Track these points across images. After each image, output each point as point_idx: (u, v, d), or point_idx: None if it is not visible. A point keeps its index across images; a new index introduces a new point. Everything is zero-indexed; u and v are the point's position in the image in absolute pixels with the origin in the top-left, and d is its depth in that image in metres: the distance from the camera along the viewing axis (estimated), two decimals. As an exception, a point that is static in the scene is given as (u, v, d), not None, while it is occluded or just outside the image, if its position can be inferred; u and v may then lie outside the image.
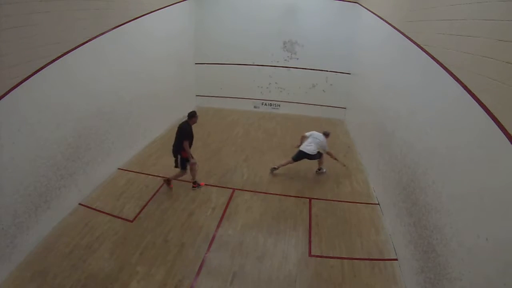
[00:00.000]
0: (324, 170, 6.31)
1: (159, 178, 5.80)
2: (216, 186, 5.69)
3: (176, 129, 5.24)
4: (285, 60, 9.46)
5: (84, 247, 4.14)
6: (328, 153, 6.08)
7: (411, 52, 4.29)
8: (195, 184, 5.55)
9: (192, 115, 5.19)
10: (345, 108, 9.48)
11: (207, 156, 6.81)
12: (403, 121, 4.44)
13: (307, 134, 6.10)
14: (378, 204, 5.29)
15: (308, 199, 5.39)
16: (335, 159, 6.19)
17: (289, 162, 6.06)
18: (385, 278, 3.83)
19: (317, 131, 6.15)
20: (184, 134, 5.07)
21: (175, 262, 3.96)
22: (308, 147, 5.89)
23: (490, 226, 2.31)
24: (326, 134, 6.13)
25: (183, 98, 9.31)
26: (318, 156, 6.00)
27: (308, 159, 5.98)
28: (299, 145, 6.11)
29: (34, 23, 3.76)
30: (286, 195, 5.49)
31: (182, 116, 8.95)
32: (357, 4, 8.42)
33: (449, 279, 2.76)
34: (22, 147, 3.80)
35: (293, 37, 9.19)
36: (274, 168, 6.13)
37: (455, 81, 3.00)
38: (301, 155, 5.94)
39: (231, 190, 5.57)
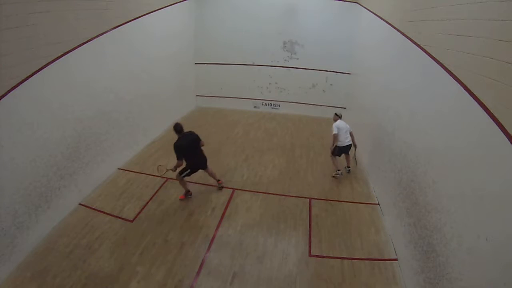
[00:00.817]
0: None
1: (159, 178, 5.82)
2: (216, 186, 5.69)
3: (186, 148, 4.87)
4: (285, 60, 9.46)
5: (84, 247, 4.14)
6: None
7: (411, 52, 4.29)
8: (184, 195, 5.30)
9: (182, 127, 4.98)
10: (345, 108, 9.46)
11: (207, 156, 6.79)
12: (403, 121, 4.44)
13: (335, 131, 5.89)
14: (378, 204, 5.28)
15: (308, 199, 5.39)
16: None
17: (337, 160, 6.10)
18: (385, 278, 3.83)
19: (337, 120, 6.06)
20: (198, 139, 5.08)
21: (175, 262, 3.96)
22: (348, 139, 5.98)
23: (490, 226, 2.30)
24: (341, 116, 6.22)
25: (183, 98, 9.31)
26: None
27: (346, 152, 6.14)
28: (333, 146, 5.97)
29: (34, 23, 3.76)
30: (286, 195, 5.49)
31: (182, 116, 9.09)
32: (357, 4, 8.42)
33: (449, 279, 2.76)
34: (22, 147, 3.80)
35: (293, 37, 9.18)
36: (339, 172, 6.05)
37: (455, 81, 3.00)
38: (344, 149, 6.03)
39: (231, 190, 5.57)
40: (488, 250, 2.28)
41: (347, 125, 6.07)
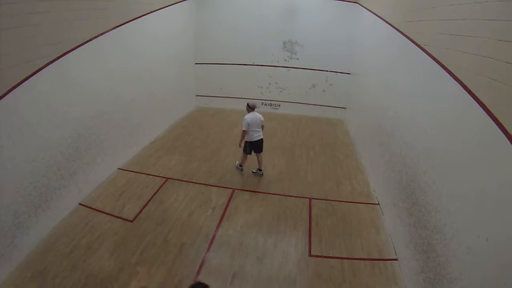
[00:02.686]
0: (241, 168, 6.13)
1: (159, 178, 5.81)
2: (216, 186, 5.69)
3: None
4: (285, 60, 9.46)
5: (84, 247, 4.14)
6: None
7: (411, 52, 4.29)
8: None
9: None
10: (345, 108, 9.48)
11: (207, 156, 6.81)
12: (403, 121, 4.44)
13: (245, 128, 5.54)
14: (378, 204, 5.28)
15: (308, 199, 5.39)
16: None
17: (245, 157, 5.94)
18: (385, 278, 3.83)
19: (249, 112, 5.77)
20: None
21: (175, 262, 3.96)
22: (258, 134, 5.69)
23: (490, 226, 2.30)
24: (254, 107, 5.73)
25: (183, 98, 9.31)
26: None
27: (258, 150, 5.83)
28: (241, 141, 5.77)
29: (34, 23, 3.75)
30: (286, 195, 5.49)
31: (182, 116, 9.10)
32: (357, 4, 8.43)
33: (449, 279, 2.76)
34: (22, 147, 3.79)
35: (293, 37, 9.19)
36: (241, 168, 6.09)
37: (455, 81, 3.00)
38: (255, 146, 5.77)
39: (231, 190, 5.57)
40: (488, 250, 2.28)
41: (260, 118, 5.60)
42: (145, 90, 6.79)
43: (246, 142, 5.69)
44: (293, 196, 5.46)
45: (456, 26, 3.15)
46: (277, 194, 5.52)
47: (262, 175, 6.04)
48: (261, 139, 5.78)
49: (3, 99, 3.45)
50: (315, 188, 5.75)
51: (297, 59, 9.38)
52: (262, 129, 5.82)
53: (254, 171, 6.10)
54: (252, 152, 5.91)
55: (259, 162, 6.00)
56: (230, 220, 4.81)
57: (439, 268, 2.96)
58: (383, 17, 6.04)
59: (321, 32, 8.93)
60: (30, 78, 3.80)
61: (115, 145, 5.93)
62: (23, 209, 3.92)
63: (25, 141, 3.83)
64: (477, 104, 2.60)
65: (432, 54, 3.62)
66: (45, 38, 3.98)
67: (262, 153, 5.96)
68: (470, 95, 2.71)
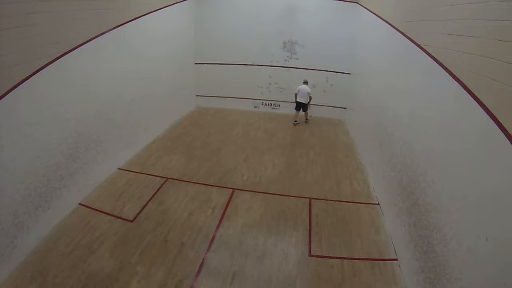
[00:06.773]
0: (311, 115, 9.29)
1: (159, 178, 5.81)
2: (216, 186, 5.70)
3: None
4: (285, 60, 9.46)
5: (84, 247, 4.14)
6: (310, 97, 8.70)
7: (411, 52, 4.29)
8: None
9: None
10: (345, 108, 9.48)
11: (207, 156, 6.81)
12: (403, 121, 4.44)
13: (295, 91, 8.74)
14: (378, 204, 5.28)
15: (308, 199, 5.39)
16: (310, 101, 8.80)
17: (297, 114, 8.86)
18: (385, 278, 3.83)
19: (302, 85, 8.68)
20: None
21: (175, 262, 3.96)
22: (300, 98, 8.67)
23: (490, 226, 2.30)
24: (305, 82, 8.75)
25: (183, 98, 9.32)
26: (306, 106, 8.83)
27: (303, 109, 8.87)
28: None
29: (34, 23, 3.76)
30: (286, 195, 5.49)
31: (182, 116, 9.10)
32: (357, 4, 8.42)
33: (449, 279, 2.76)
34: (22, 147, 3.80)
35: (293, 37, 9.19)
36: (294, 122, 8.94)
37: (455, 81, 3.00)
38: (298, 105, 8.78)
39: (231, 190, 5.57)
40: (488, 250, 2.28)
41: (306, 90, 8.54)
42: (145, 90, 6.80)
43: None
44: (293, 196, 5.46)
45: (456, 26, 3.15)
46: (277, 194, 5.52)
47: (298, 123, 8.98)
48: (301, 103, 8.72)
49: (3, 99, 3.46)
50: (315, 188, 5.75)
51: (297, 59, 9.38)
52: (310, 100, 8.76)
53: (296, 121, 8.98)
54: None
55: (303, 115, 9.12)
56: (230, 220, 4.81)
57: (439, 268, 2.96)
58: (383, 17, 6.04)
59: (321, 32, 8.94)
60: (30, 78, 3.80)
61: (115, 145, 5.93)
62: (23, 209, 3.92)
63: (25, 141, 3.83)
64: (477, 104, 2.60)
65: (432, 54, 3.62)
66: (45, 38, 3.98)
67: (305, 112, 9.02)
68: (470, 95, 2.71)
